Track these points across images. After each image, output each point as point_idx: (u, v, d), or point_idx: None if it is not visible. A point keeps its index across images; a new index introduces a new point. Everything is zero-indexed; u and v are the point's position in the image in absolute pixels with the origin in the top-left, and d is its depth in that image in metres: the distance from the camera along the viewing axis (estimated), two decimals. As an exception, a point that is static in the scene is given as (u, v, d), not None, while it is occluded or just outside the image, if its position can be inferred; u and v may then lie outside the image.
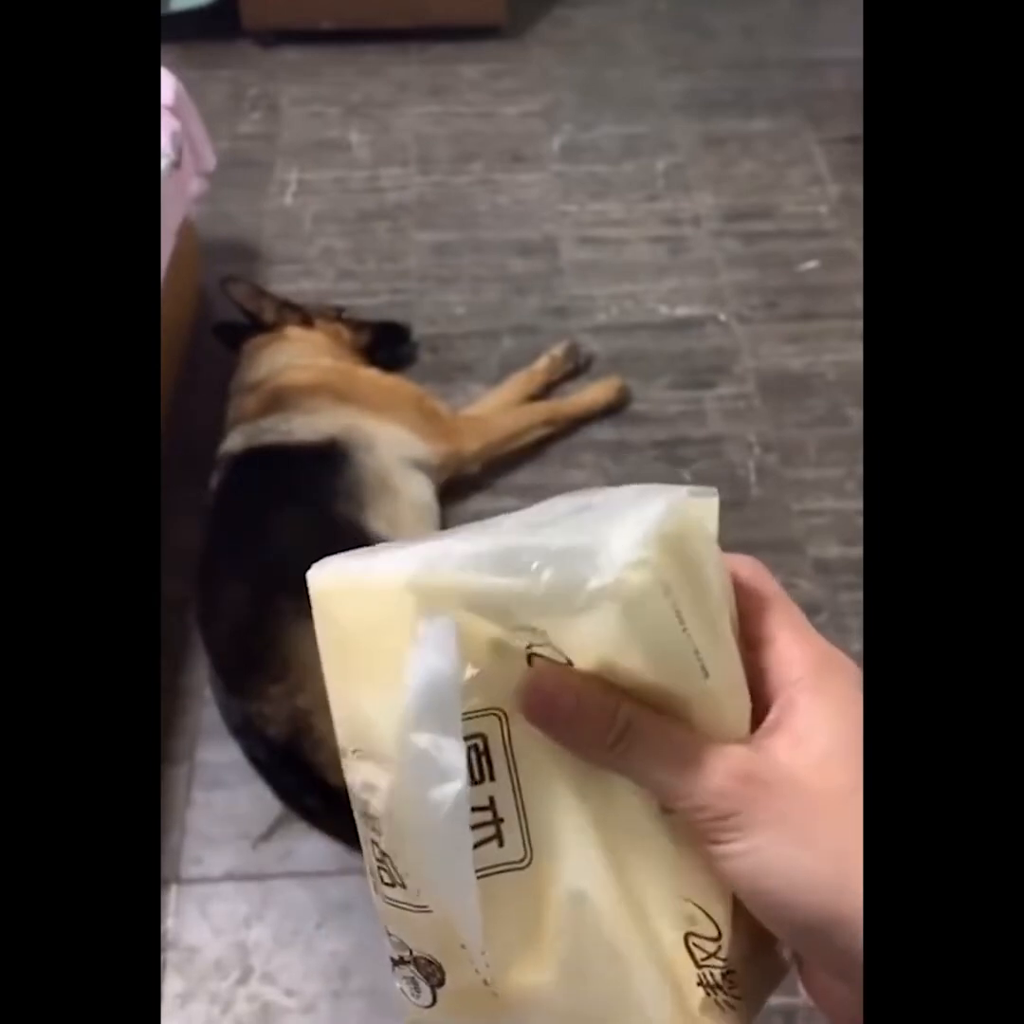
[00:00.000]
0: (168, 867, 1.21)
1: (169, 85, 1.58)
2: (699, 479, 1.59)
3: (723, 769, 0.28)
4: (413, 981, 0.34)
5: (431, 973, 0.33)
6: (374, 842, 0.32)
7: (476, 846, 0.31)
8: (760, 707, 0.32)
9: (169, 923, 1.18)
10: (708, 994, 0.31)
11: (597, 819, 0.31)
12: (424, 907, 0.31)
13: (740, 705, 0.31)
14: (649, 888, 0.31)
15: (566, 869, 0.31)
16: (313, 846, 1.21)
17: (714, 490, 0.33)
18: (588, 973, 0.31)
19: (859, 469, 1.58)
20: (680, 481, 1.57)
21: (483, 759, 0.30)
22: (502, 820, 0.31)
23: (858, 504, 1.55)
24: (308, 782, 1.13)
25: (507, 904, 0.31)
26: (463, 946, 0.31)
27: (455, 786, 0.29)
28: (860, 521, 1.51)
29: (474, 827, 0.30)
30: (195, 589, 1.33)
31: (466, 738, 0.30)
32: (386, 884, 0.32)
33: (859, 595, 1.44)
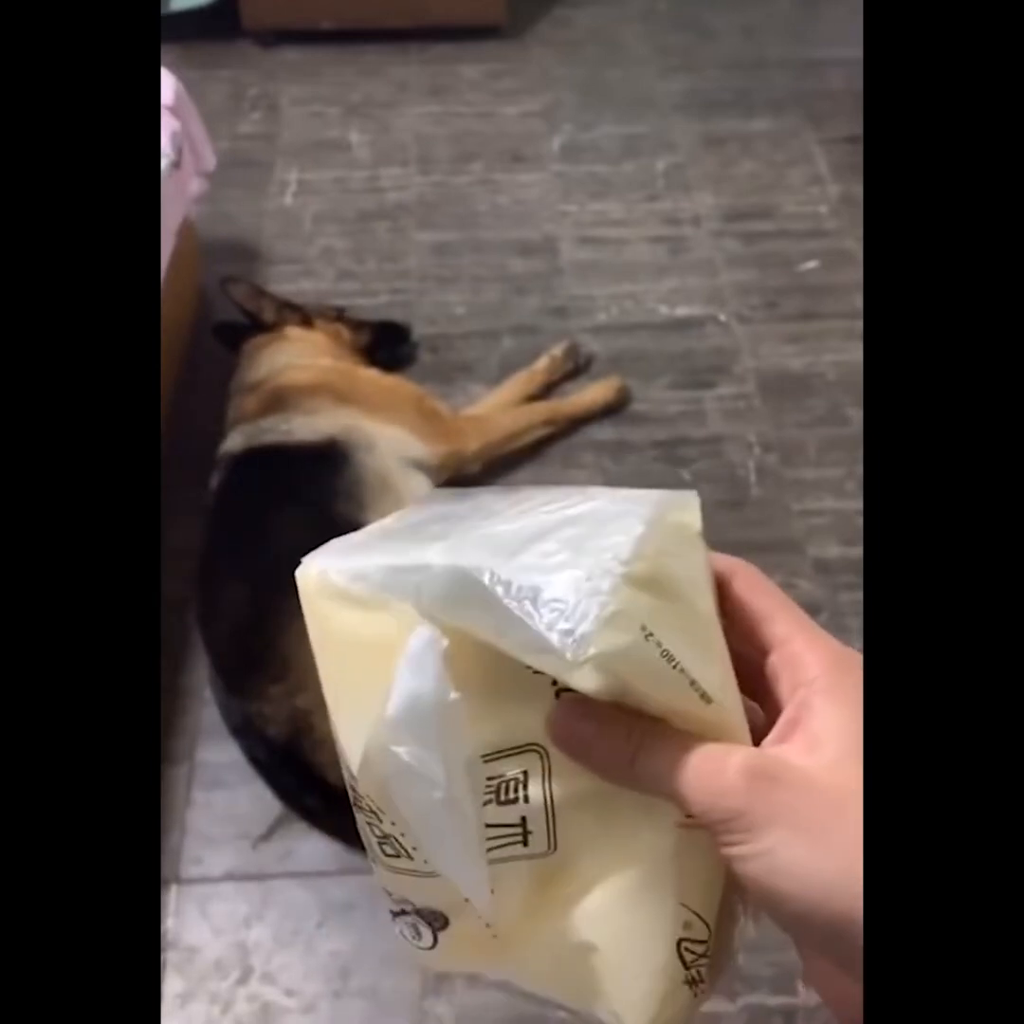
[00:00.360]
0: (168, 867, 1.21)
1: (169, 85, 1.58)
2: (699, 479, 1.59)
3: (732, 767, 0.29)
4: (415, 927, 0.34)
5: (434, 919, 0.34)
6: (370, 825, 0.32)
7: (498, 848, 0.31)
8: (774, 709, 0.32)
9: (169, 923, 1.18)
10: (692, 989, 0.32)
11: (620, 834, 0.31)
12: (432, 873, 0.32)
13: (742, 712, 0.31)
14: (653, 901, 0.31)
15: (580, 873, 0.32)
16: (313, 846, 1.21)
17: (693, 492, 0.33)
18: (579, 965, 0.32)
19: (859, 469, 1.58)
20: (680, 481, 1.58)
21: (520, 787, 0.31)
22: (531, 832, 0.31)
23: (858, 504, 1.55)
24: (308, 782, 1.13)
25: (520, 884, 0.32)
26: (467, 900, 0.32)
27: (439, 794, 0.29)
28: (860, 521, 1.51)
29: (500, 839, 0.31)
30: (195, 589, 1.33)
31: (507, 774, 0.30)
32: (389, 856, 0.33)
33: (859, 595, 1.44)
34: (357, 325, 1.72)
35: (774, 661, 0.32)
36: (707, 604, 0.31)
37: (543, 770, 0.31)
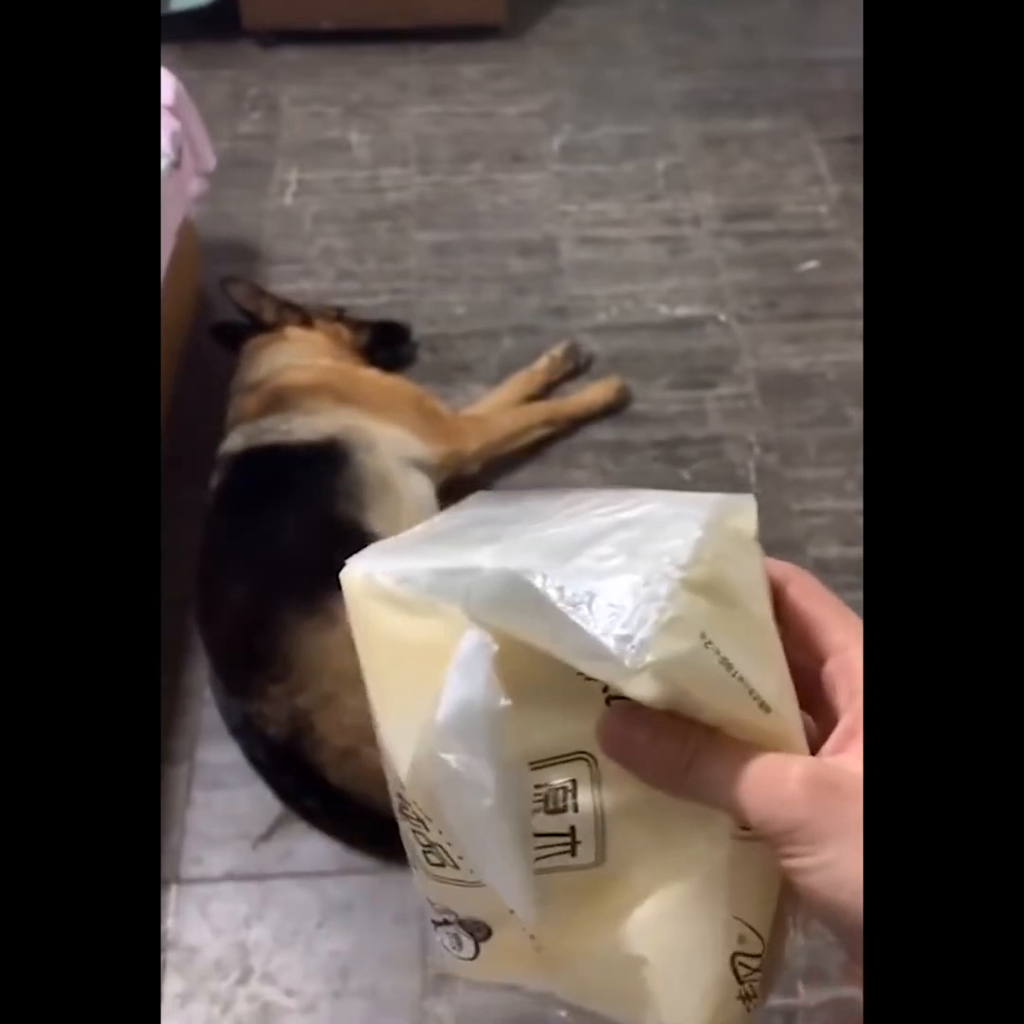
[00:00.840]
0: (168, 867, 1.21)
1: (169, 85, 1.58)
2: (699, 479, 1.59)
3: (792, 777, 0.28)
4: (456, 937, 0.34)
5: (477, 929, 0.33)
6: (416, 832, 0.32)
7: (545, 858, 0.31)
8: (830, 717, 0.31)
9: (169, 923, 1.18)
10: (745, 1004, 0.31)
11: (672, 846, 0.31)
12: (477, 882, 0.31)
13: (799, 721, 0.31)
14: (707, 914, 0.31)
15: (630, 885, 0.31)
16: (313, 846, 1.21)
17: (750, 496, 0.32)
18: (628, 978, 0.31)
19: (859, 469, 1.58)
20: (680, 481, 1.58)
21: (569, 795, 0.30)
22: (579, 842, 0.31)
23: (858, 504, 1.55)
24: (308, 782, 1.13)
25: (566, 896, 0.31)
26: (512, 912, 0.31)
27: (488, 802, 0.28)
28: (860, 521, 1.51)
29: (547, 849, 0.30)
30: (195, 589, 1.32)
31: (555, 782, 0.30)
32: (434, 864, 0.32)
33: (859, 595, 1.43)
34: (357, 325, 1.72)
35: (830, 669, 0.32)
36: (764, 610, 0.30)
37: (592, 779, 0.30)
